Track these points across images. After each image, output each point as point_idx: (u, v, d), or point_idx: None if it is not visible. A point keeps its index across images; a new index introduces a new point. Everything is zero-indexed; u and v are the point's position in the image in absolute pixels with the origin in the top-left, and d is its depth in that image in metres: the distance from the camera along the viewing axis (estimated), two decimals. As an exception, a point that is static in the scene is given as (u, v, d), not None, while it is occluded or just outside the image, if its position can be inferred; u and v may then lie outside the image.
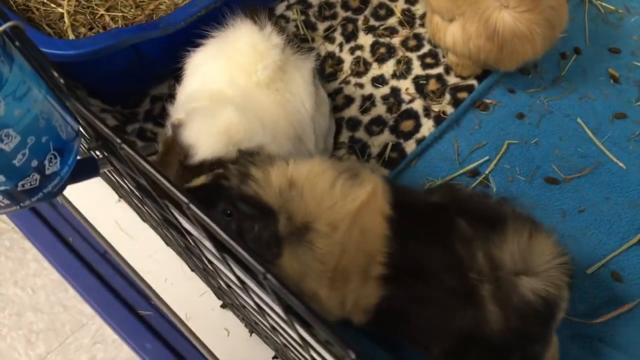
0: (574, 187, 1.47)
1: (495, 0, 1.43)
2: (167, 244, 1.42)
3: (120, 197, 1.47)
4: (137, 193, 0.91)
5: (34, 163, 0.86)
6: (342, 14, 1.77)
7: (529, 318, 1.01)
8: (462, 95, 1.60)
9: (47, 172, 0.89)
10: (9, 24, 0.64)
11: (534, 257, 1.03)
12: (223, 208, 1.04)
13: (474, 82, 1.62)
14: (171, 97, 1.59)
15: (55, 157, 0.89)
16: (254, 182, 1.02)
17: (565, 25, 1.56)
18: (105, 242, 1.55)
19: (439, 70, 1.65)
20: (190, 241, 0.81)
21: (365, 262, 1.04)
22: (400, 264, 1.03)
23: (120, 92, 1.56)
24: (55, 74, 0.67)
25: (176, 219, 0.70)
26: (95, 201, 1.55)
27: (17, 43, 0.67)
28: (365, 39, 1.72)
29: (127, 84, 1.54)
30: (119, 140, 0.58)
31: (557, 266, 1.04)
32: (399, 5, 1.79)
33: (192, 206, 0.53)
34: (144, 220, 1.46)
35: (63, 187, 0.95)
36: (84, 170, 0.99)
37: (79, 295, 1.64)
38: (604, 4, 1.79)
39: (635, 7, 1.78)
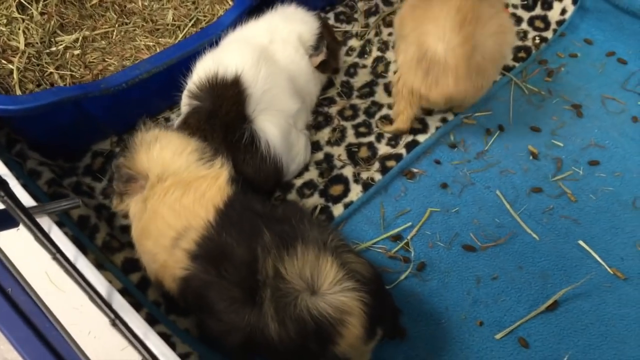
0: (489, 255, 1.55)
1: (435, 31, 1.56)
2: (92, 296, 1.45)
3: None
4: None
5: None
6: (285, 82, 1.88)
7: (304, 334, 1.08)
8: (391, 163, 1.69)
9: (-42, 220, 0.94)
10: None
11: (319, 278, 1.10)
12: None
13: (402, 151, 1.72)
14: (112, 153, 1.66)
15: (-32, 207, 0.94)
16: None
17: (491, 83, 1.73)
18: (35, 293, 1.56)
19: (371, 139, 1.75)
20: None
21: (177, 233, 1.20)
22: (209, 249, 1.17)
23: (62, 147, 1.62)
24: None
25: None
26: (29, 250, 1.58)
27: None
28: (305, 107, 1.82)
29: (69, 139, 1.60)
30: (21, 215, 0.64)
31: (342, 290, 1.10)
32: (339, 78, 1.91)
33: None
34: (71, 272, 1.49)
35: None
36: (1, 221, 1.03)
37: (14, 348, 1.63)
38: (528, 85, 1.93)
39: (557, 89, 1.93)
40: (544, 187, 1.68)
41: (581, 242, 1.57)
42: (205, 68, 1.43)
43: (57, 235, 1.15)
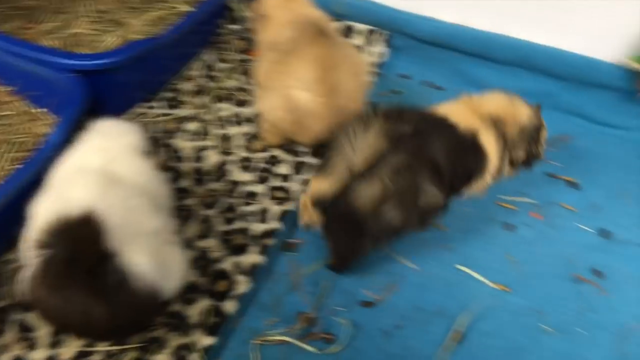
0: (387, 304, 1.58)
1: (297, 82, 1.69)
2: None
3: None
4: None
5: None
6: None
7: None
8: (268, 241, 1.65)
9: None
10: None
11: None
12: None
13: (277, 225, 1.69)
14: None
15: None
16: None
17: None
18: None
19: (242, 223, 1.70)
20: None
21: None
22: None
23: None
24: None
25: None
26: None
27: None
28: (163, 205, 1.72)
29: None
30: None
31: None
32: (188, 165, 1.83)
33: None
34: None
35: None
36: None
37: None
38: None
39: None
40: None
41: (458, 266, 1.67)
42: (47, 210, 1.23)
43: None
